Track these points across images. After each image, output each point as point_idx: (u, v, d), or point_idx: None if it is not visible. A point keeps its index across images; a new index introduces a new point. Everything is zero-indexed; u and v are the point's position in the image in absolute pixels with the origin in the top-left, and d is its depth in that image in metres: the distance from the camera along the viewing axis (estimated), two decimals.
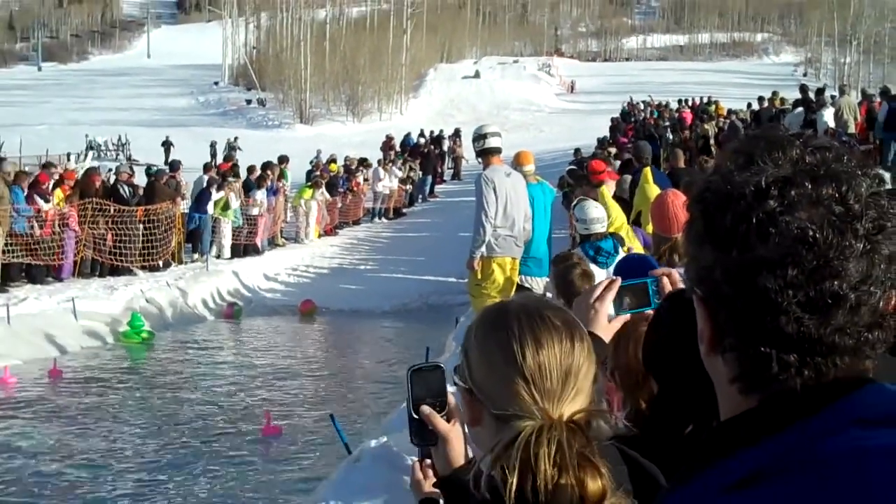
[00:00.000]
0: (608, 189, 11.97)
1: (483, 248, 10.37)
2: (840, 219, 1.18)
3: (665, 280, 2.73)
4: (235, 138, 53.02)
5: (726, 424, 1.26)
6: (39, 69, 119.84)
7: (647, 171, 12.78)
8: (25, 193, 19.43)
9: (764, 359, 1.21)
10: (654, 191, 11.96)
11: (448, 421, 2.07)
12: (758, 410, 1.23)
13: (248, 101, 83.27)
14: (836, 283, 1.17)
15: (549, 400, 1.79)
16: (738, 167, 1.25)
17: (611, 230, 10.18)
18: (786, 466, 1.12)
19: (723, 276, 1.22)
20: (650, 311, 2.63)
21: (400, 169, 38.61)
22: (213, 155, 46.23)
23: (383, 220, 35.66)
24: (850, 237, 1.18)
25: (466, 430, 2.05)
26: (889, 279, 1.20)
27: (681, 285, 2.66)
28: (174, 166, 25.82)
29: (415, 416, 2.06)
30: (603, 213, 9.91)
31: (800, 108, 26.38)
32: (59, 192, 20.34)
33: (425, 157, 43.51)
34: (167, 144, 52.29)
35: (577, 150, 38.12)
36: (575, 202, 11.34)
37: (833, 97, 26.68)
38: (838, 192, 1.19)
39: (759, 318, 1.20)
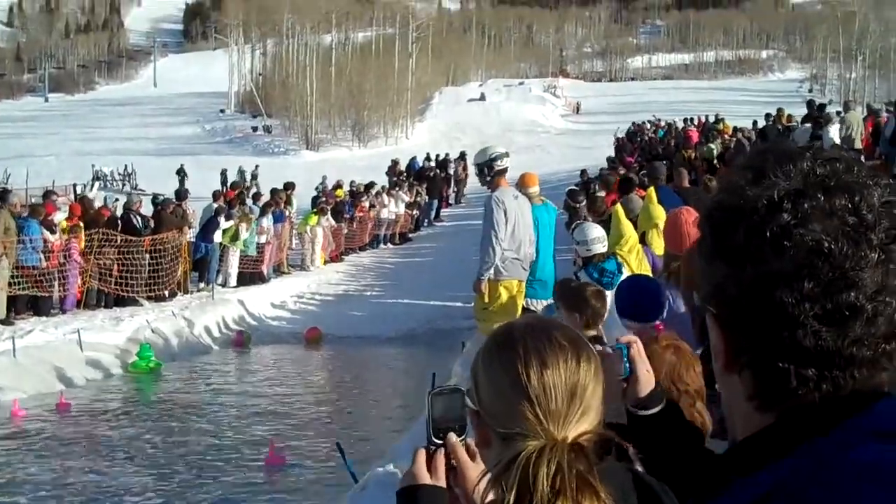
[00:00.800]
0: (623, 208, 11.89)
1: (491, 271, 10.32)
2: (854, 229, 1.18)
3: (634, 348, 2.73)
4: (256, 166, 53.44)
5: (745, 443, 1.25)
6: (46, 100, 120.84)
7: (651, 191, 12.73)
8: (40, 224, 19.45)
9: (782, 374, 1.21)
10: (658, 211, 11.91)
11: (468, 451, 1.98)
12: (776, 427, 1.22)
13: (255, 129, 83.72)
14: (852, 294, 1.17)
15: (554, 421, 1.77)
16: (748, 182, 1.25)
17: (625, 248, 10.16)
18: (806, 483, 1.11)
19: (737, 292, 1.22)
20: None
21: (406, 194, 38.64)
22: (224, 183, 46.26)
23: (389, 245, 35.67)
24: (865, 247, 1.17)
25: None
26: None
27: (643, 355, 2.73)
28: (180, 195, 25.80)
29: (435, 440, 1.99)
30: (602, 233, 9.90)
31: (807, 125, 26.33)
32: (62, 222, 20.30)
33: (431, 181, 43.54)
34: (182, 173, 52.28)
35: (583, 172, 38.15)
36: (573, 226, 11.32)
37: (838, 113, 26.60)
38: (851, 202, 1.19)
39: (776, 333, 1.19)
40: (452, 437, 1.97)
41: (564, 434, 1.76)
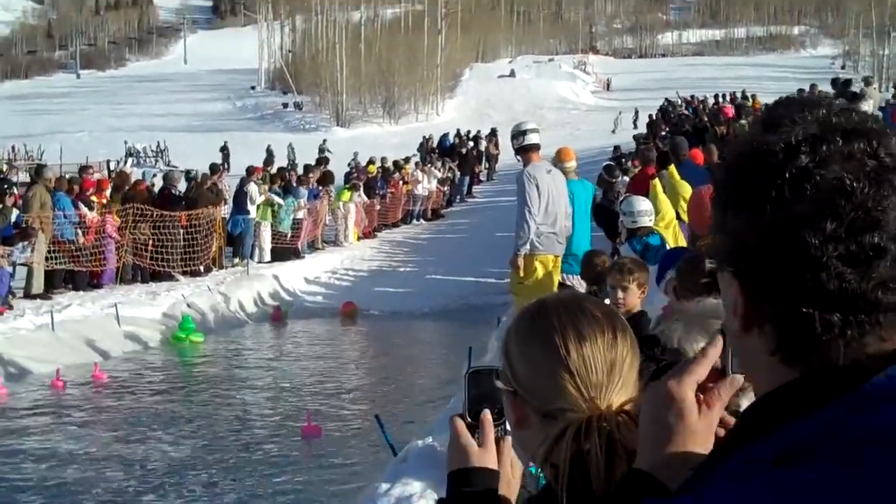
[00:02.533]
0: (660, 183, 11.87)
1: (527, 246, 10.34)
2: (874, 171, 1.16)
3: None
4: (325, 140, 53.77)
5: (766, 398, 1.23)
6: (78, 77, 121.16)
7: (672, 169, 12.71)
8: (73, 198, 19.61)
9: (806, 321, 1.18)
10: (682, 187, 11.91)
11: (499, 440, 1.97)
12: (798, 382, 1.20)
13: (285, 105, 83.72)
14: (876, 234, 1.15)
15: (597, 392, 1.76)
16: (763, 130, 1.24)
17: (662, 224, 10.17)
18: (822, 444, 1.10)
19: (757, 239, 1.20)
20: None
21: (439, 170, 38.63)
22: (269, 159, 46.42)
23: (422, 221, 35.69)
24: (888, 187, 1.16)
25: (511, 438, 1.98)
26: None
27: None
28: (214, 170, 25.91)
29: (470, 420, 1.98)
30: (650, 207, 9.89)
31: (841, 100, 26.15)
32: (95, 199, 20.42)
33: (463, 157, 43.48)
34: (225, 150, 52.31)
35: (616, 147, 38.05)
36: (622, 197, 11.32)
37: (862, 90, 26.38)
38: (869, 146, 1.18)
39: (799, 277, 1.17)
40: (486, 415, 1.95)
41: (609, 403, 1.76)
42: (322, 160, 32.71)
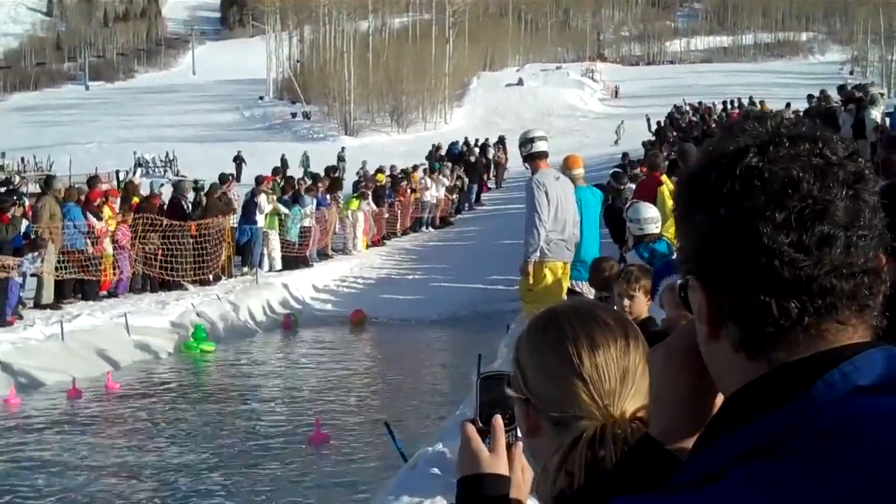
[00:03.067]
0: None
1: (537, 253, 10.36)
2: (820, 167, 1.22)
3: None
4: (343, 149, 54.03)
5: (735, 396, 1.26)
6: (87, 88, 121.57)
7: (664, 177, 12.72)
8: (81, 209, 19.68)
9: (765, 310, 1.21)
10: None
11: (510, 446, 1.96)
12: (765, 378, 1.22)
13: (293, 115, 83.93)
14: (825, 223, 1.20)
15: (610, 399, 1.77)
16: (718, 139, 1.31)
17: (671, 231, 10.16)
18: (787, 437, 1.13)
19: (715, 237, 1.24)
20: None
21: (447, 178, 38.67)
22: (284, 167, 46.53)
23: (430, 229, 35.72)
24: (832, 180, 1.21)
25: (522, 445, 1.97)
26: (877, 228, 1.23)
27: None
28: (224, 180, 25.97)
29: (481, 425, 1.98)
30: (657, 214, 9.89)
31: (851, 106, 26.14)
32: (107, 210, 20.46)
33: (471, 165, 43.53)
34: (239, 160, 52.36)
35: (624, 155, 38.07)
36: (628, 204, 11.31)
37: (872, 96, 26.38)
38: (816, 147, 1.24)
39: (755, 268, 1.21)
40: (498, 420, 1.95)
41: (622, 410, 1.76)
42: (331, 168, 32.73)
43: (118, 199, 21.82)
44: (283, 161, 50.41)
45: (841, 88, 30.03)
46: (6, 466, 10.99)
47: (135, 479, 10.47)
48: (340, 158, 51.36)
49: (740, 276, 1.22)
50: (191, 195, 24.02)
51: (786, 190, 1.20)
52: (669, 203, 11.03)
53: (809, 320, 1.21)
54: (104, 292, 20.01)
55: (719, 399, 1.41)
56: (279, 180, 28.66)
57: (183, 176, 46.44)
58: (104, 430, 12.59)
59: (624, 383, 1.78)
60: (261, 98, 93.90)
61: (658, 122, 46.01)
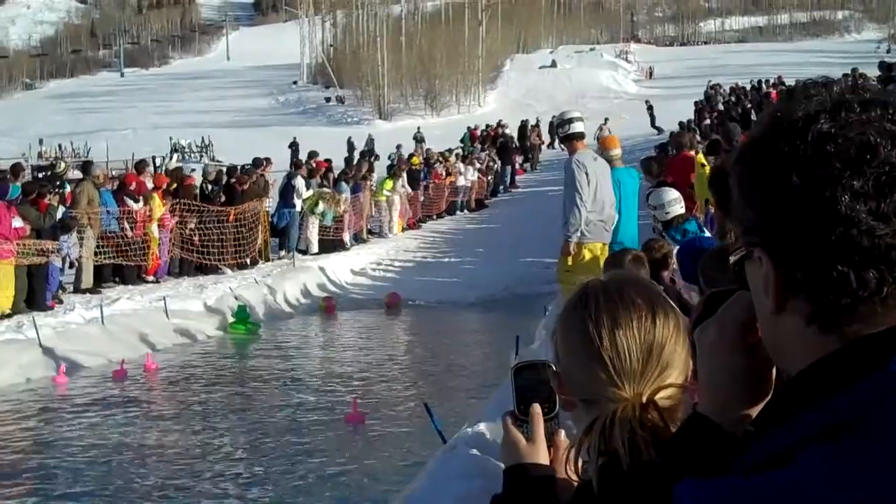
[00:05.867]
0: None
1: (578, 233, 10.34)
2: (893, 133, 1.18)
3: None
4: (370, 135, 54.24)
5: (808, 371, 1.22)
6: (122, 75, 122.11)
7: (700, 156, 12.67)
8: (114, 195, 19.82)
9: (841, 281, 1.17)
10: None
11: (552, 434, 1.98)
12: (837, 355, 1.19)
13: (327, 99, 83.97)
14: None
15: (629, 380, 1.76)
16: (781, 106, 1.27)
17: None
18: (866, 416, 1.10)
19: (787, 205, 1.20)
20: None
21: (480, 160, 38.62)
22: (351, 151, 46.56)
23: (465, 212, 35.70)
24: None
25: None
26: None
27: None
28: (258, 164, 26.06)
29: (519, 414, 1.99)
30: (677, 195, 9.89)
31: (891, 85, 25.89)
32: (156, 197, 20.54)
33: (505, 148, 43.46)
34: (294, 145, 52.30)
35: (659, 129, 37.86)
36: (648, 192, 11.29)
37: None
38: (887, 113, 1.20)
39: (831, 238, 1.17)
40: (535, 408, 1.96)
41: (640, 392, 1.75)
42: (367, 153, 32.72)
43: (164, 187, 21.72)
44: (350, 144, 50.43)
45: (881, 65, 29.71)
46: (50, 445, 11.12)
47: (176, 460, 10.55)
48: (368, 144, 51.28)
49: (815, 246, 1.18)
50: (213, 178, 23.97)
51: (862, 156, 1.17)
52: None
53: (888, 290, 1.17)
54: (151, 276, 20.17)
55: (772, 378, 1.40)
56: (312, 164, 28.64)
57: (218, 161, 46.63)
58: (144, 412, 12.70)
59: (648, 363, 1.77)
60: (294, 83, 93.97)
61: (695, 103, 45.75)
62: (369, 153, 38.03)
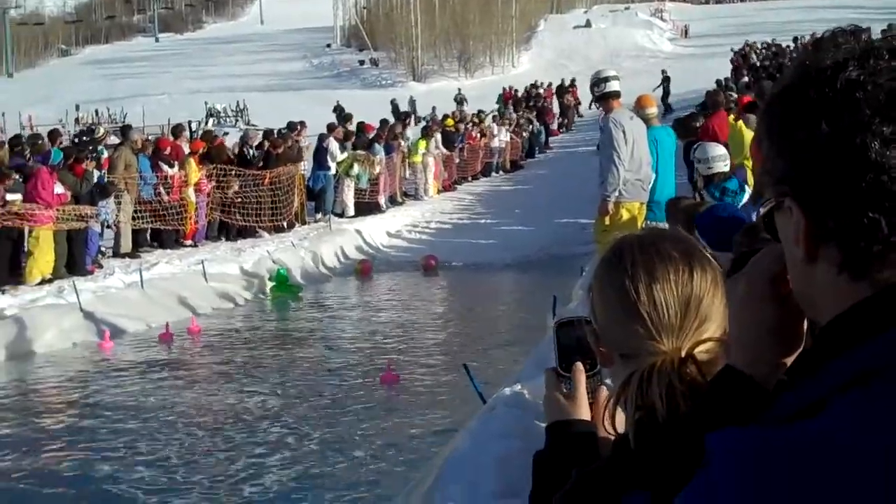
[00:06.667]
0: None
1: (616, 192, 10.30)
2: None
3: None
4: (393, 99, 54.23)
5: (836, 321, 1.21)
6: (157, 40, 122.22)
7: (732, 117, 12.60)
8: (150, 161, 19.94)
9: (872, 227, 1.16)
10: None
11: (592, 391, 2.00)
12: (868, 301, 1.18)
13: (361, 62, 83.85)
14: None
15: (668, 335, 1.75)
16: (809, 54, 1.26)
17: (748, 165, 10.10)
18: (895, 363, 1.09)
19: (816, 153, 1.19)
20: None
21: (510, 121, 38.51)
22: (396, 113, 46.50)
23: (501, 173, 35.65)
24: None
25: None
26: None
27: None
28: (292, 127, 26.11)
29: (561, 371, 2.00)
30: (724, 151, 9.84)
31: None
32: (192, 162, 20.64)
33: (540, 108, 43.29)
34: (338, 109, 52.29)
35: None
36: (695, 146, 11.23)
37: None
38: None
39: (861, 184, 1.16)
40: (578, 365, 1.97)
41: (678, 346, 1.74)
42: (404, 114, 32.66)
43: (199, 151, 21.80)
44: (395, 106, 50.41)
45: None
46: (99, 406, 11.28)
47: (219, 419, 10.70)
48: (411, 105, 51.25)
49: (846, 193, 1.17)
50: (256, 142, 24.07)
51: (892, 102, 1.16)
52: (748, 136, 10.92)
53: None
54: (189, 241, 20.32)
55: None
56: (348, 126, 28.65)
57: (253, 125, 46.72)
58: (191, 374, 12.91)
59: (686, 317, 1.77)
60: (328, 46, 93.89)
61: (731, 60, 45.36)
62: (412, 114, 37.95)
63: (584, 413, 1.96)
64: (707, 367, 1.71)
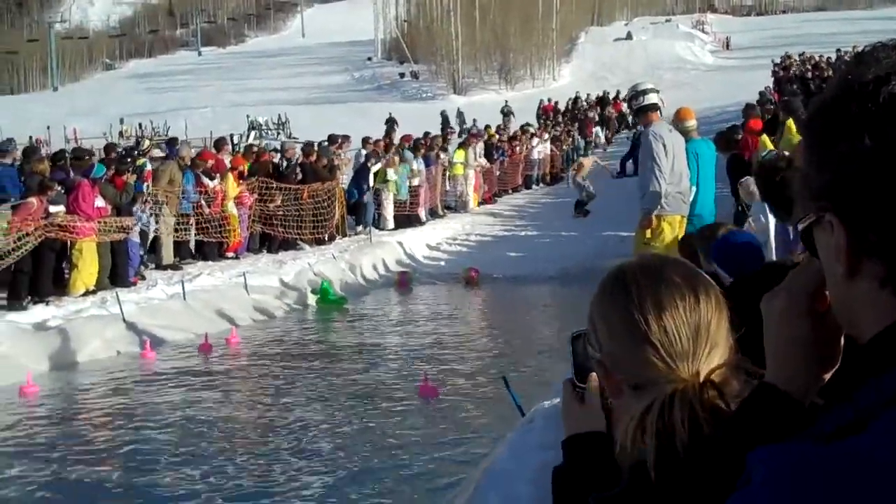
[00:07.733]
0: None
1: (658, 205, 10.27)
2: None
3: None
4: (444, 111, 54.61)
5: (878, 338, 1.20)
6: (199, 54, 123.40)
7: (790, 123, 12.52)
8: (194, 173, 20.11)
9: None
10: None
11: (607, 401, 1.98)
12: None
13: (402, 75, 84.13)
14: None
15: (682, 361, 1.74)
16: (850, 68, 1.25)
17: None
18: None
19: (859, 166, 1.18)
20: None
21: (548, 132, 38.48)
22: (445, 124, 46.64)
23: (541, 185, 35.62)
24: None
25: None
26: None
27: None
28: (333, 140, 26.24)
29: (578, 383, 2.02)
30: None
31: None
32: (230, 177, 20.75)
33: (582, 121, 43.24)
34: (391, 121, 52.37)
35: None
36: (741, 181, 11.21)
37: None
38: None
39: None
40: (593, 377, 1.97)
41: (696, 371, 1.73)
42: (449, 128, 32.83)
43: (240, 168, 21.94)
44: (444, 117, 50.49)
45: None
46: (141, 416, 11.35)
47: (259, 431, 10.75)
48: (459, 117, 51.47)
49: (888, 207, 1.16)
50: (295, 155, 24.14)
51: None
52: (797, 134, 10.90)
53: None
54: (231, 253, 20.46)
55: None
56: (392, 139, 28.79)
57: (295, 138, 46.94)
58: (231, 385, 12.91)
59: (697, 342, 1.75)
60: (369, 59, 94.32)
61: (773, 72, 45.17)
62: (455, 128, 38.09)
63: (599, 424, 1.97)
64: (725, 389, 1.71)
